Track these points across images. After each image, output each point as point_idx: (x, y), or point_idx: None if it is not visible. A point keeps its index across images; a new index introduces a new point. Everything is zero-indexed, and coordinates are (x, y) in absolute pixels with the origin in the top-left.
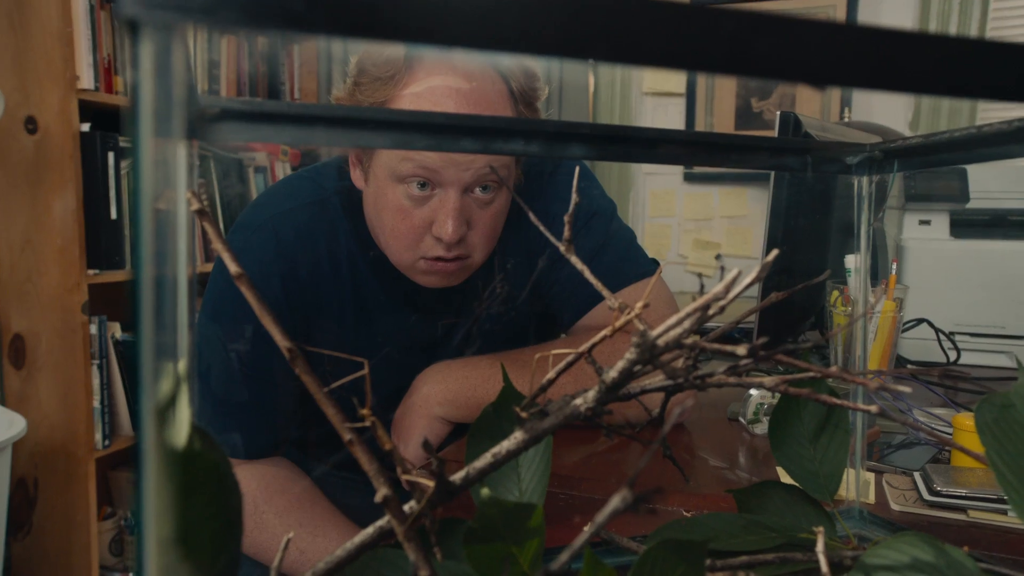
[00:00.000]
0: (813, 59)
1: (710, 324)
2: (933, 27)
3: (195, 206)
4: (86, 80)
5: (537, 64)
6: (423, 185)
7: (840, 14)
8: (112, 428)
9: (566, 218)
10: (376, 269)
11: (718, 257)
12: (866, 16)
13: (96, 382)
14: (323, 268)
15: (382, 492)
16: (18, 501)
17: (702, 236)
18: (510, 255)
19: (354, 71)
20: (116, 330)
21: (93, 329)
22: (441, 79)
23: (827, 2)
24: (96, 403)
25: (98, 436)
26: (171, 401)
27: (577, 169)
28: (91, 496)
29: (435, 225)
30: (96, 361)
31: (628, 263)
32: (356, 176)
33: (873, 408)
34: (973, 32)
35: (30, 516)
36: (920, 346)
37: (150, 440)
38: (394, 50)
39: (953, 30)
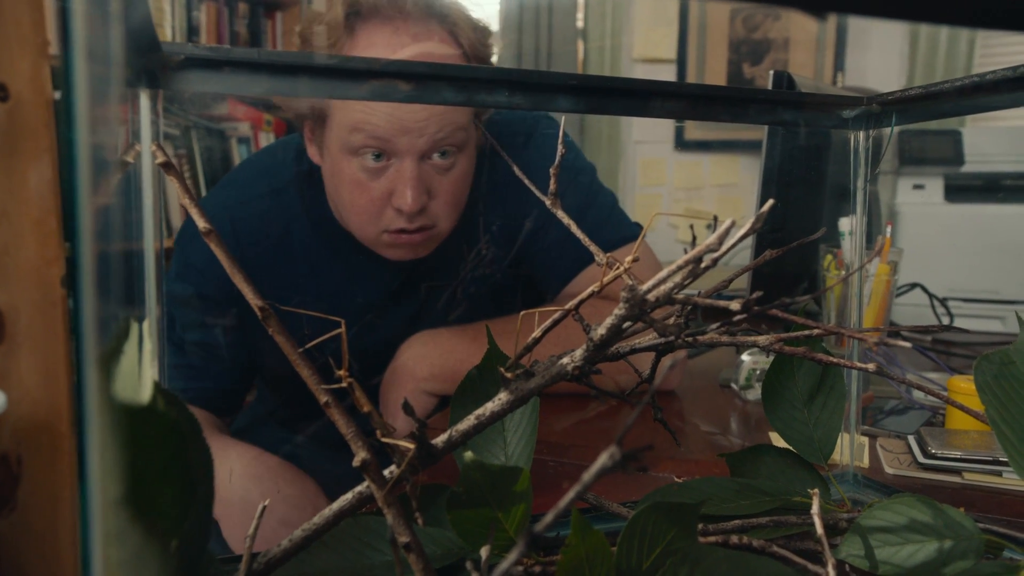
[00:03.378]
0: None
1: (693, 290)
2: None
3: (160, 159)
4: (58, 46)
5: (482, 16)
6: (378, 156)
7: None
8: None
9: (552, 170)
10: (340, 249)
11: (709, 226)
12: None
13: None
14: (282, 255)
15: (360, 456)
16: (2, 478)
17: (693, 205)
18: (486, 222)
19: (298, 41)
20: None
21: (73, 303)
22: (385, 45)
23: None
24: None
25: None
26: (116, 351)
27: (561, 125)
28: (76, 471)
29: (394, 196)
30: None
31: (612, 225)
32: (312, 152)
33: (871, 367)
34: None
35: (14, 493)
36: (913, 312)
37: (92, 396)
38: (334, 14)
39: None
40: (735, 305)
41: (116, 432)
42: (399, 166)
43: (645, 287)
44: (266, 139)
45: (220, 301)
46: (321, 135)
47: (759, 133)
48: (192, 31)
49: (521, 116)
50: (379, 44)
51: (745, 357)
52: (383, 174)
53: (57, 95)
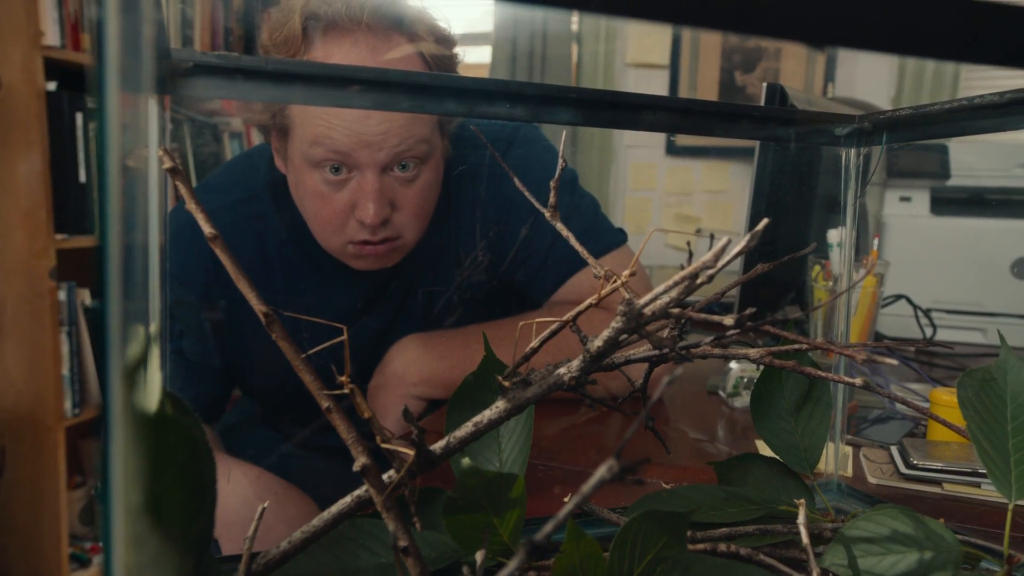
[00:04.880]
0: (812, 17)
1: (687, 299)
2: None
3: (167, 164)
4: (51, 37)
5: (447, 23)
6: (338, 169)
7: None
8: (82, 396)
9: (553, 183)
10: (314, 256)
11: (698, 231)
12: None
13: (65, 349)
14: (255, 262)
15: (361, 461)
16: None
17: (683, 210)
18: (464, 230)
19: (261, 53)
20: (85, 296)
21: (62, 295)
22: (343, 57)
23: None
24: (65, 371)
25: (67, 404)
26: (140, 364)
27: (562, 139)
28: (60, 465)
29: (356, 209)
30: (65, 328)
31: (596, 233)
32: (279, 162)
33: (858, 381)
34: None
35: None
36: (897, 323)
37: (117, 404)
38: (291, 27)
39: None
40: (729, 320)
41: (137, 439)
42: (360, 179)
43: (642, 301)
44: (258, 135)
45: (198, 308)
46: (284, 147)
47: (750, 141)
48: (186, 24)
49: (501, 123)
50: (337, 57)
51: (733, 365)
52: (345, 186)
53: (51, 87)
